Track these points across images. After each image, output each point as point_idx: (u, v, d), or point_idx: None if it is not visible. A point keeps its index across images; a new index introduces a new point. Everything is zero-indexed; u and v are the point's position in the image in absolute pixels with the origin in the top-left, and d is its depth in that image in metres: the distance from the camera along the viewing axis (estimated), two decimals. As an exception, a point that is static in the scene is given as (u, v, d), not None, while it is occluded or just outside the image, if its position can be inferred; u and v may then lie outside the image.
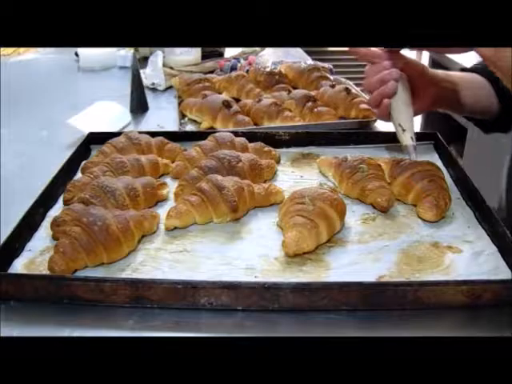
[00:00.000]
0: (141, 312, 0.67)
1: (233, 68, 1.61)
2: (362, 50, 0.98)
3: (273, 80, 1.43)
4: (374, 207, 0.87)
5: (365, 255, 0.75)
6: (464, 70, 1.10)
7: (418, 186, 0.86)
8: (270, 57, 1.78)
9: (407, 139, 0.93)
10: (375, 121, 1.24)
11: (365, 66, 0.98)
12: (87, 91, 1.62)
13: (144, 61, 1.69)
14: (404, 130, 0.93)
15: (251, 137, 1.05)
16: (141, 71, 1.42)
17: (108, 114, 1.31)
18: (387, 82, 0.93)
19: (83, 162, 0.99)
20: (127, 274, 0.72)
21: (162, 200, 0.90)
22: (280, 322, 0.66)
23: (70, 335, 0.64)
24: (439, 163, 1.00)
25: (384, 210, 0.86)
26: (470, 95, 1.04)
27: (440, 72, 1.04)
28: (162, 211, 0.84)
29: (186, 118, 1.30)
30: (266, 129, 1.16)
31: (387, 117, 0.97)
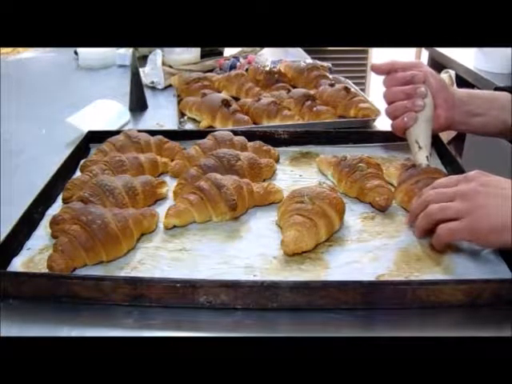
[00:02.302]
0: (140, 310, 0.67)
1: (232, 67, 1.61)
2: (383, 65, 0.94)
3: (272, 79, 1.43)
4: (373, 206, 0.87)
5: (364, 254, 0.75)
6: (498, 88, 1.03)
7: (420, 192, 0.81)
8: (269, 56, 1.78)
9: (422, 158, 0.90)
10: (374, 120, 1.24)
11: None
12: (86, 90, 1.62)
13: (143, 59, 1.69)
14: (420, 148, 0.91)
15: (250, 136, 1.05)
16: (140, 70, 1.41)
17: (107, 112, 1.31)
18: (413, 96, 0.90)
19: (82, 161, 0.99)
20: (126, 272, 0.72)
21: (161, 199, 0.90)
22: (279, 320, 0.66)
23: (69, 334, 0.64)
24: (438, 161, 1.00)
25: (382, 209, 0.85)
26: (497, 118, 0.96)
27: (463, 92, 0.98)
28: (161, 210, 0.84)
29: (186, 117, 1.30)
30: (265, 128, 1.16)
31: (403, 131, 0.94)
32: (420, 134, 0.92)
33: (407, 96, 0.91)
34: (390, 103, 0.95)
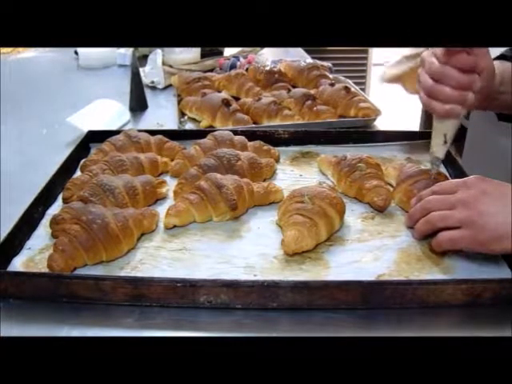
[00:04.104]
0: (140, 310, 0.67)
1: (232, 66, 1.61)
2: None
3: (272, 78, 1.43)
4: (372, 206, 0.87)
5: (364, 254, 0.75)
6: (499, 58, 0.89)
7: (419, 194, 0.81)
8: (269, 55, 1.79)
9: (442, 152, 0.86)
10: (374, 119, 1.24)
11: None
12: (86, 89, 1.62)
13: (143, 59, 1.69)
14: (445, 143, 0.86)
15: (250, 135, 1.05)
16: (140, 69, 1.42)
17: (107, 112, 1.31)
18: (465, 88, 0.77)
19: (82, 161, 0.99)
20: (126, 272, 0.72)
21: (162, 198, 0.90)
22: (279, 320, 0.66)
23: (69, 333, 0.64)
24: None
25: (381, 210, 0.85)
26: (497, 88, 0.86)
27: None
28: (162, 209, 0.84)
29: (186, 117, 1.30)
30: (265, 127, 1.16)
31: (446, 117, 0.81)
32: (450, 129, 0.85)
33: (459, 85, 0.77)
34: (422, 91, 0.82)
